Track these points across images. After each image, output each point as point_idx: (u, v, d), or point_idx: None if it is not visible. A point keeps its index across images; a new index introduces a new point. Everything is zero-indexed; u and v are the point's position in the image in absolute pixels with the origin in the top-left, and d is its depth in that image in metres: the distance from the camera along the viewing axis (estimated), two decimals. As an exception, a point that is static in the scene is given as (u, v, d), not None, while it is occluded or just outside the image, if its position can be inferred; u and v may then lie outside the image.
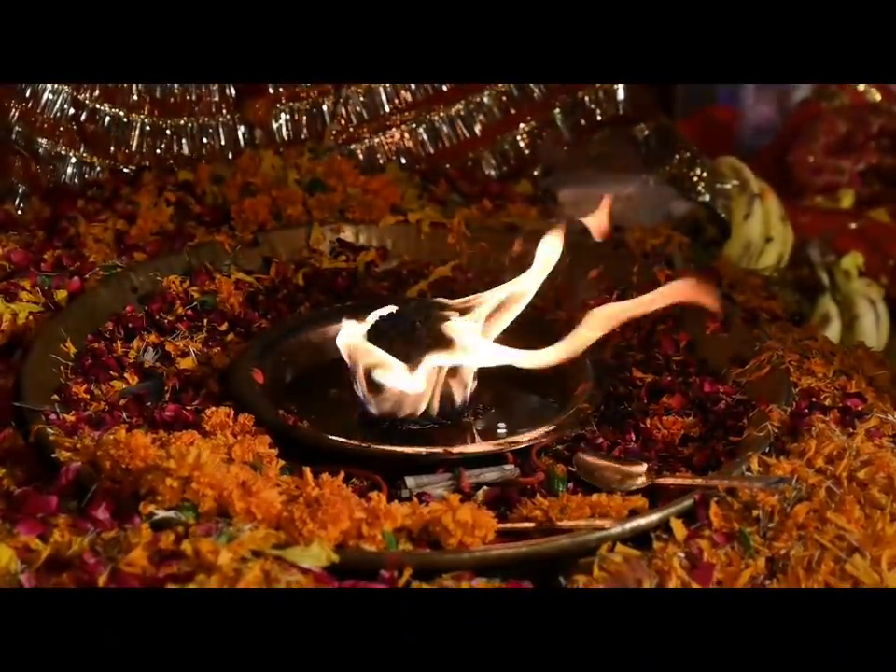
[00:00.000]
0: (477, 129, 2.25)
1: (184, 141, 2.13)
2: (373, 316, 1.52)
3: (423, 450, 1.44)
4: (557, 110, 2.28)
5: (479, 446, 1.47)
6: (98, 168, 2.09)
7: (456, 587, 1.17)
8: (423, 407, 1.50)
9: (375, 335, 1.51)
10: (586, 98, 2.29)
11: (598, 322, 1.49)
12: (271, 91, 2.16)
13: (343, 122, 2.20)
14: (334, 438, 1.46)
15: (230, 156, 2.13)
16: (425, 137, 2.23)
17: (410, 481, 1.37)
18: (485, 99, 2.24)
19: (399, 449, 1.44)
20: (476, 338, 1.49)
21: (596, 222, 1.60)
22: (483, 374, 1.54)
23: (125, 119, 2.10)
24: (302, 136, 2.18)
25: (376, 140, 2.21)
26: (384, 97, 2.21)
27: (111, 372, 1.53)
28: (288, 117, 2.18)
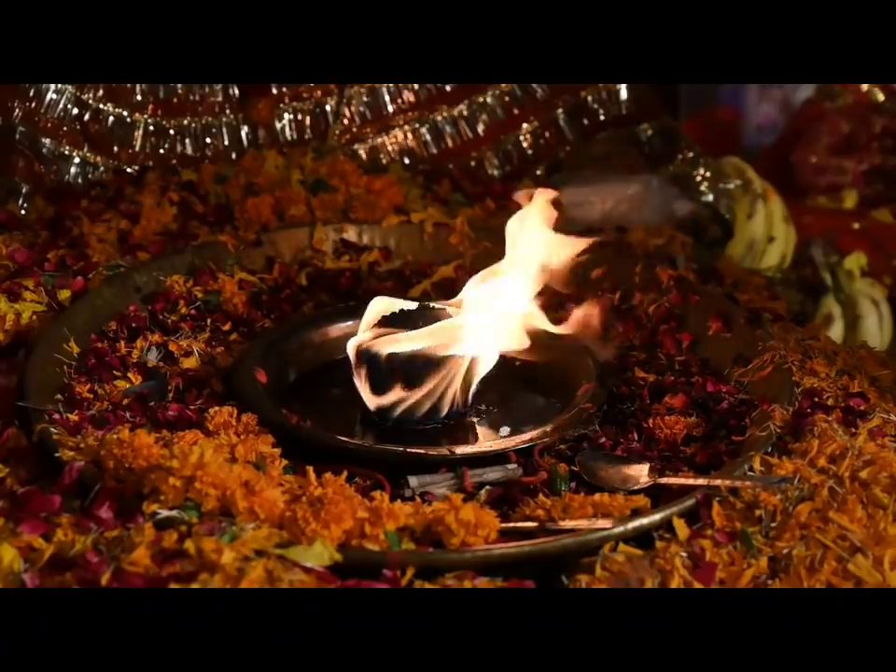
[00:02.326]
0: (480, 129, 2.25)
1: (187, 141, 2.13)
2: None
3: (426, 449, 1.44)
4: (560, 110, 2.28)
5: (482, 446, 1.47)
6: (101, 168, 2.09)
7: (459, 587, 1.17)
8: (427, 406, 1.50)
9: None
10: (589, 98, 2.29)
11: None
12: (274, 91, 2.16)
13: (346, 122, 2.20)
14: (337, 437, 1.46)
15: (233, 156, 2.14)
16: (428, 137, 2.23)
17: (413, 480, 1.37)
18: (488, 99, 2.25)
19: (401, 448, 1.44)
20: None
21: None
22: (487, 373, 1.54)
23: (128, 119, 2.10)
24: (306, 136, 2.19)
25: (379, 140, 2.21)
26: (387, 97, 2.21)
27: (114, 372, 1.53)
28: (292, 117, 2.18)
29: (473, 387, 1.53)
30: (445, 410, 1.51)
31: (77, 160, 2.08)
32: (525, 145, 2.27)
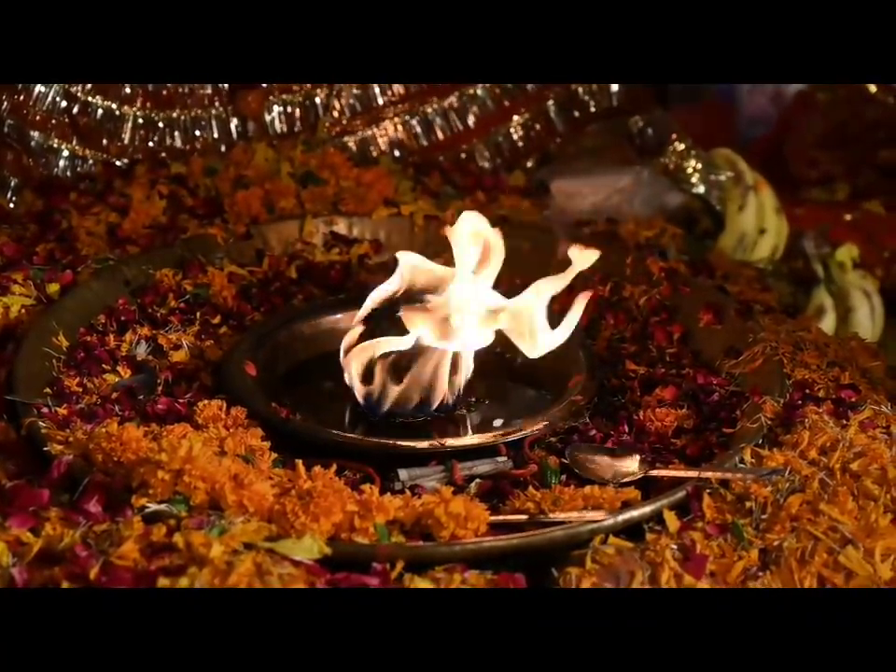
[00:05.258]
0: (471, 121, 2.25)
1: (177, 134, 2.12)
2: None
3: (416, 442, 1.44)
4: (551, 102, 2.28)
5: (472, 438, 1.47)
6: (90, 161, 2.09)
7: (449, 580, 1.17)
8: (416, 399, 1.50)
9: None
10: (580, 90, 2.29)
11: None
12: (264, 83, 2.16)
13: (336, 115, 2.19)
14: (327, 430, 1.46)
15: (222, 149, 2.13)
16: (418, 129, 2.22)
17: (402, 473, 1.37)
18: (479, 91, 2.24)
19: (391, 441, 1.44)
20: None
21: None
22: (478, 366, 1.54)
23: (118, 112, 2.10)
24: (295, 129, 2.18)
25: (369, 132, 2.21)
26: (377, 89, 2.20)
27: (103, 366, 1.53)
28: (281, 109, 2.17)
29: (463, 380, 1.52)
30: (435, 403, 1.51)
31: (65, 153, 2.07)
32: (515, 137, 2.26)
